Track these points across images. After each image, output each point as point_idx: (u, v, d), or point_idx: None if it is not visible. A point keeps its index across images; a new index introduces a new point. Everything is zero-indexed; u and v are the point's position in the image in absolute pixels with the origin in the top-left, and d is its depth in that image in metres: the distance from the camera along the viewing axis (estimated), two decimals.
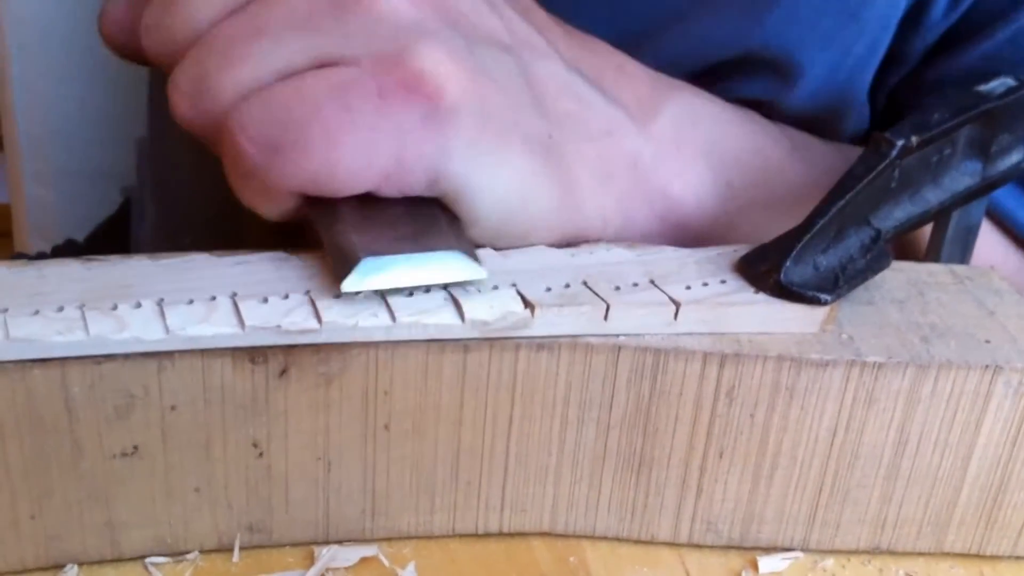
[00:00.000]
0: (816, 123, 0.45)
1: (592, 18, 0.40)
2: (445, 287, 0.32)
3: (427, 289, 0.32)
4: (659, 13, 0.43)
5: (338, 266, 0.31)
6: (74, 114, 0.75)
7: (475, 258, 0.32)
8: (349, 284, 0.31)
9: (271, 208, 0.33)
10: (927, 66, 0.46)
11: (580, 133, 0.36)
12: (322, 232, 0.32)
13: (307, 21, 0.32)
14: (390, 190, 0.32)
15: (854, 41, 0.43)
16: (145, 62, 0.35)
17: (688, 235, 0.39)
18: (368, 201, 0.33)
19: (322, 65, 0.32)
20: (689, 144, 0.39)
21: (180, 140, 0.54)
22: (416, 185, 0.33)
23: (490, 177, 0.33)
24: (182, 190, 0.56)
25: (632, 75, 0.39)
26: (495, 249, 0.35)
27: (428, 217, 0.33)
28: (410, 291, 0.32)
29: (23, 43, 0.73)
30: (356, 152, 0.31)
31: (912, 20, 0.44)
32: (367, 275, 0.31)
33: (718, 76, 0.42)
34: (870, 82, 0.45)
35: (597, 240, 0.36)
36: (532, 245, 0.35)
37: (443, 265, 0.31)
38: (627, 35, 0.40)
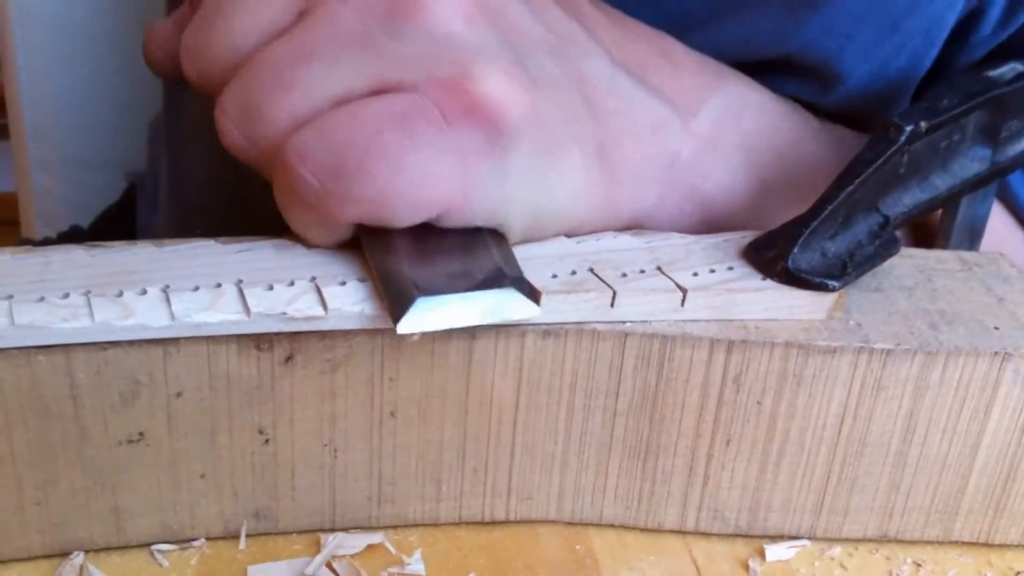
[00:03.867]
0: (855, 128, 0.44)
1: (631, 13, 0.39)
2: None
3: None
4: (698, 9, 0.42)
5: (393, 304, 0.30)
6: (80, 103, 0.75)
7: (529, 295, 0.31)
8: (405, 325, 0.29)
9: (325, 237, 0.32)
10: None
11: (625, 132, 0.35)
12: (373, 263, 0.31)
13: (359, 42, 0.31)
14: (452, 218, 0.31)
15: (896, 54, 0.42)
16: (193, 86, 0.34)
17: (714, 231, 0.38)
18: (421, 231, 0.32)
19: (379, 89, 0.31)
20: (727, 140, 0.39)
21: (195, 128, 0.54)
22: (478, 212, 0.32)
23: (543, 193, 0.33)
24: (195, 177, 0.56)
25: (677, 62, 0.39)
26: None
27: (480, 247, 0.32)
28: None
29: (29, 32, 0.73)
30: (420, 177, 0.30)
31: (959, 34, 0.43)
32: (423, 315, 0.29)
33: (758, 73, 0.41)
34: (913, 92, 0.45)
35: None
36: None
37: (500, 304, 0.30)
38: (666, 30, 0.40)
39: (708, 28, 0.41)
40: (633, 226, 0.37)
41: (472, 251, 0.32)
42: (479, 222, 0.32)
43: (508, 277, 0.31)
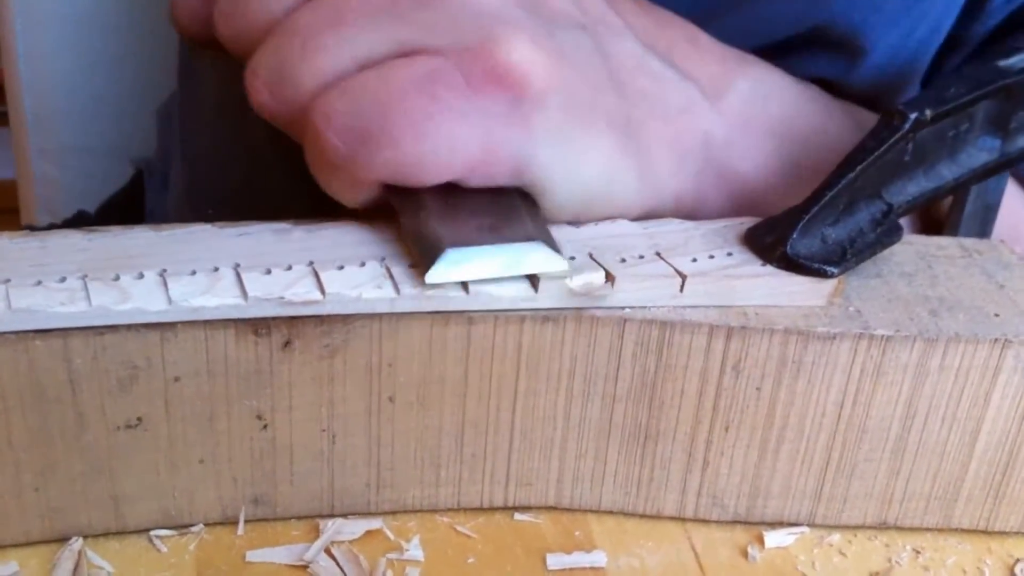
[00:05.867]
0: (875, 104, 0.44)
1: None
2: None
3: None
4: None
5: (422, 256, 0.31)
6: (80, 90, 0.75)
7: (556, 248, 0.32)
8: (433, 275, 0.30)
9: (354, 197, 0.33)
10: (987, 51, 0.45)
11: (656, 111, 0.36)
12: (403, 220, 0.32)
13: (387, 8, 0.32)
14: (475, 180, 0.32)
15: (918, 23, 0.42)
16: (218, 49, 0.35)
17: (756, 214, 0.38)
18: (450, 189, 0.32)
19: (404, 54, 0.32)
20: (758, 121, 0.39)
21: (208, 106, 0.54)
22: (501, 175, 0.33)
23: (575, 163, 0.33)
24: (207, 155, 0.56)
25: (703, 48, 0.39)
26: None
27: (508, 206, 0.33)
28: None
29: (29, 20, 0.73)
30: (443, 142, 0.31)
31: (974, 4, 0.43)
32: (451, 266, 0.31)
33: (784, 53, 0.42)
34: (929, 64, 0.45)
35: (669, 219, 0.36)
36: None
37: (526, 256, 0.31)
38: (696, 10, 0.40)
39: (740, 6, 0.42)
40: (680, 210, 0.37)
41: (500, 208, 0.33)
42: (504, 183, 0.33)
43: (534, 231, 0.32)
